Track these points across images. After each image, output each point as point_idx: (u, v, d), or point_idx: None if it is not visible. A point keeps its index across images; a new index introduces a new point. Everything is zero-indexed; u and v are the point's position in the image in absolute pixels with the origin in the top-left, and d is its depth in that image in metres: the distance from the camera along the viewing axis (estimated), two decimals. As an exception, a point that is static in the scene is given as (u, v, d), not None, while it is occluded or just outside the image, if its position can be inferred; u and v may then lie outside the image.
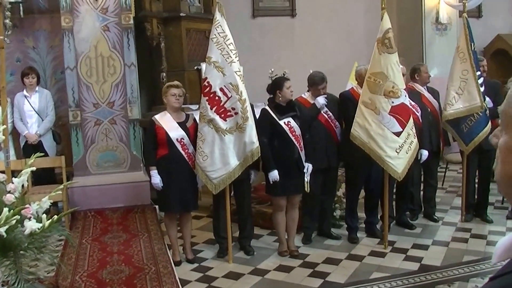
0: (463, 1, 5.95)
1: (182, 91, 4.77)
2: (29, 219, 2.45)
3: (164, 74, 7.08)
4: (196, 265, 4.81)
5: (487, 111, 5.60)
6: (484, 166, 5.89)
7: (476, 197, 6.00)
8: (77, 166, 6.64)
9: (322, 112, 5.13)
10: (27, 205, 2.44)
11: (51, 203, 2.78)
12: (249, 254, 5.00)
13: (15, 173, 4.81)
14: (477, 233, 5.52)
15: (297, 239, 5.20)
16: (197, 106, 6.28)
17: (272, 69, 7.01)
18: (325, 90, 5.15)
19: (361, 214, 5.59)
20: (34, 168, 2.80)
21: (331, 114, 5.19)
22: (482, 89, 5.58)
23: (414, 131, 4.94)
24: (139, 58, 6.83)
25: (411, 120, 4.92)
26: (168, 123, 4.68)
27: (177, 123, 4.72)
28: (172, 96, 4.70)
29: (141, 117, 6.86)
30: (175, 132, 4.66)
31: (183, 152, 4.66)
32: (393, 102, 4.76)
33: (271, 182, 4.72)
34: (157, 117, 4.75)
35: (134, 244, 5.29)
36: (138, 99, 6.84)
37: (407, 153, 4.87)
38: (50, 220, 2.51)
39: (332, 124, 5.20)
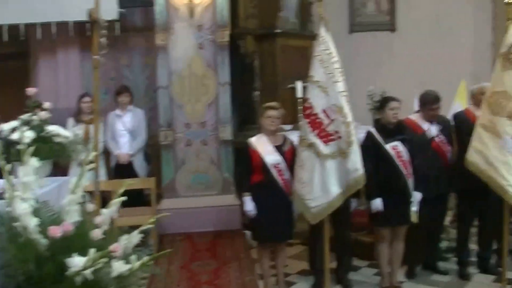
0: None
1: (280, 113, 4.48)
2: (118, 258, 2.20)
3: (257, 92, 6.83)
4: (289, 299, 4.48)
5: None
6: None
7: None
8: (167, 188, 6.52)
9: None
10: (115, 244, 2.18)
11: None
12: None
13: (104, 193, 4.74)
14: None
15: (399, 273, 4.77)
16: (290, 126, 6.00)
17: (371, 88, 6.64)
18: (438, 111, 4.71)
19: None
20: (125, 198, 2.57)
21: (443, 137, 4.72)
22: None
23: None
24: (231, 76, 6.64)
25: (540, 145, 4.34)
26: (264, 147, 4.39)
27: (274, 147, 4.42)
28: (267, 118, 4.42)
29: (233, 138, 6.64)
30: (271, 156, 4.37)
31: (279, 179, 4.36)
32: (517, 125, 4.22)
33: (374, 212, 4.34)
34: (252, 140, 4.48)
35: (223, 273, 5.04)
36: (231, 120, 6.64)
37: None
38: (141, 262, 2.25)
39: (444, 149, 4.74)
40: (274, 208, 4.34)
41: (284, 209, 4.40)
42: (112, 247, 2.19)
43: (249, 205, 4.36)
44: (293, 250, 5.56)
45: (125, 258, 2.27)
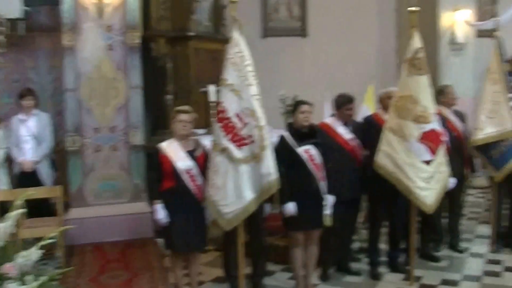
0: (496, 19, 5.60)
1: (192, 117, 4.36)
2: (13, 279, 1.99)
3: (170, 96, 6.68)
4: (204, 307, 4.37)
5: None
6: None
7: (503, 225, 5.65)
8: (74, 196, 6.22)
9: (347, 139, 4.77)
10: (8, 264, 1.98)
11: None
12: (262, 293, 4.59)
13: (7, 204, 4.42)
14: (510, 265, 5.15)
15: (314, 276, 4.78)
16: (204, 130, 5.90)
17: (283, 92, 6.69)
18: (352, 111, 4.81)
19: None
20: (25, 210, 2.37)
21: (357, 141, 4.82)
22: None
23: (446, 159, 4.57)
24: (143, 79, 6.45)
25: (443, 147, 4.54)
26: (175, 152, 4.25)
27: (186, 152, 4.29)
28: (179, 122, 4.29)
29: (145, 143, 6.44)
30: (182, 162, 4.23)
31: (191, 184, 4.23)
32: (423, 128, 4.37)
33: (287, 216, 4.31)
34: (163, 145, 4.33)
35: (135, 285, 4.85)
36: (142, 124, 6.43)
37: (438, 184, 4.47)
38: (40, 282, 2.05)
39: (358, 153, 4.84)
40: (186, 215, 4.21)
41: (197, 216, 4.28)
42: (4, 267, 1.98)
43: (161, 213, 4.20)
44: (207, 257, 5.44)
45: (22, 277, 2.06)
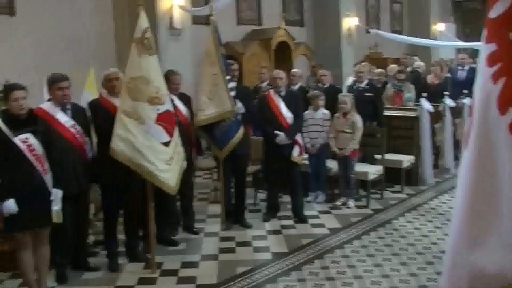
0: (210, 4, 5.75)
1: None
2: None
3: None
4: None
5: (239, 116, 5.50)
6: (239, 171, 5.81)
7: (233, 202, 5.88)
8: None
9: (68, 126, 4.31)
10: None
11: None
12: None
13: None
14: (241, 240, 5.42)
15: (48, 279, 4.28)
16: None
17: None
18: (65, 92, 4.29)
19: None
20: None
21: (79, 128, 4.38)
22: (233, 93, 5.44)
23: (180, 140, 4.58)
24: None
25: (177, 128, 4.52)
26: None
27: None
28: None
29: None
30: None
31: None
32: (158, 110, 4.26)
33: (7, 215, 3.71)
34: None
35: None
36: None
37: (177, 164, 4.46)
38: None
39: (81, 140, 4.40)
40: None
41: None
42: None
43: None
44: None
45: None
